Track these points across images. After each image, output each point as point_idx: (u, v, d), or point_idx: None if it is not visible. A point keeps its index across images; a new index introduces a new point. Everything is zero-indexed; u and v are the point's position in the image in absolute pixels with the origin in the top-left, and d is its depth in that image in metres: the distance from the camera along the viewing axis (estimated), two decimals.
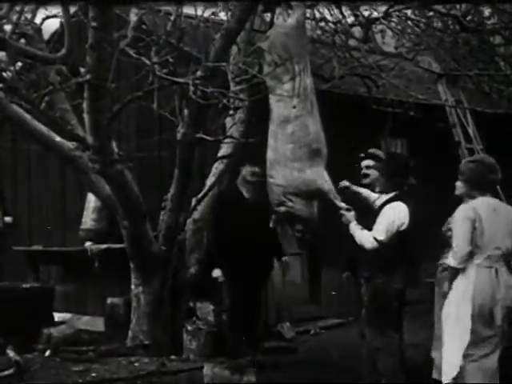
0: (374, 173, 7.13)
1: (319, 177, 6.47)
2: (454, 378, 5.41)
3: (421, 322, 6.82)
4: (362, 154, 7.30)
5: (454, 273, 5.55)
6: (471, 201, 5.59)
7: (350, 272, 7.45)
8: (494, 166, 5.74)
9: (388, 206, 6.39)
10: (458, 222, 5.55)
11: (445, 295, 5.76)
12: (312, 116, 6.56)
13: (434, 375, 6.58)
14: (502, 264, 5.47)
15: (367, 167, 7.24)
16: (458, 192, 5.91)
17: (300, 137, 6.46)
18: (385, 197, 6.54)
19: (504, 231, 5.52)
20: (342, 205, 6.47)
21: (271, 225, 6.84)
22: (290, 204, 6.44)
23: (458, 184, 5.85)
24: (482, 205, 5.53)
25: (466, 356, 5.38)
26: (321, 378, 7.43)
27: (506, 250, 5.50)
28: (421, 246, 6.83)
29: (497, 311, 5.37)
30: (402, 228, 6.30)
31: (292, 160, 6.44)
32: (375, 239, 6.24)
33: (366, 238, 6.29)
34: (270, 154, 6.57)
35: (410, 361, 6.73)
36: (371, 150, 7.42)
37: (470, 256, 5.45)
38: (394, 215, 6.31)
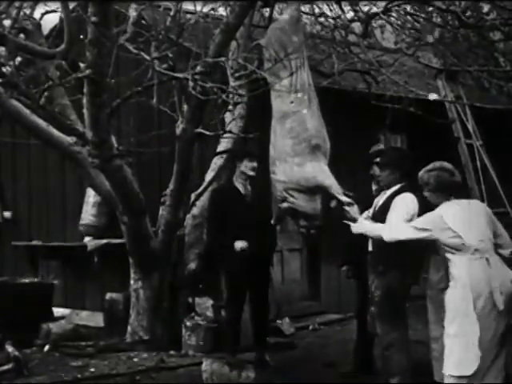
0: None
1: (320, 172, 6.45)
2: (472, 374, 5.41)
3: (422, 319, 6.79)
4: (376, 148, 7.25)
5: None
6: (438, 208, 5.75)
7: (349, 265, 7.45)
8: (453, 169, 5.92)
9: (399, 197, 6.34)
10: (420, 222, 5.82)
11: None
12: (310, 111, 6.55)
13: (436, 377, 6.50)
14: (491, 253, 5.59)
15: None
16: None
17: (299, 132, 6.46)
18: (389, 191, 6.52)
19: (479, 224, 5.65)
20: (345, 199, 6.40)
21: (273, 221, 6.83)
22: (291, 200, 6.43)
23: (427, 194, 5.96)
24: (447, 211, 5.68)
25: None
26: (320, 375, 7.44)
27: (489, 239, 5.63)
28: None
29: (497, 297, 5.43)
30: (414, 218, 6.28)
31: (292, 155, 6.44)
32: None
33: (382, 229, 6.26)
34: (271, 150, 6.57)
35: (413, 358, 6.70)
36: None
37: (456, 250, 5.57)
38: (408, 205, 6.28)
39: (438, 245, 5.71)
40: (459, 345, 5.48)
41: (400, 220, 6.14)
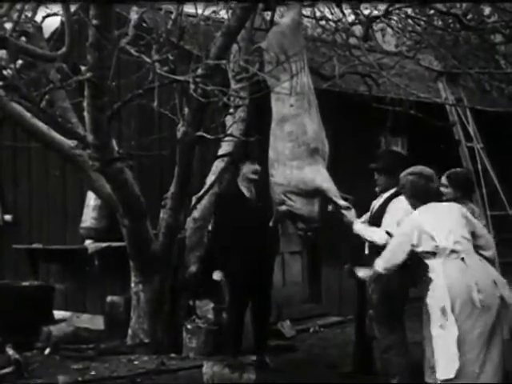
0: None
1: (318, 175, 6.45)
2: (457, 377, 5.40)
3: (420, 320, 6.78)
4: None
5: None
6: (414, 212, 5.79)
7: (352, 264, 7.43)
8: (432, 175, 5.90)
9: (394, 201, 6.34)
10: (398, 234, 5.80)
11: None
12: (310, 114, 6.55)
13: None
14: (468, 252, 5.55)
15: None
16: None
17: (298, 135, 6.47)
18: (386, 194, 6.53)
19: (454, 225, 5.63)
20: (342, 203, 6.41)
21: (271, 224, 6.83)
22: (290, 203, 6.43)
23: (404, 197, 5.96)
24: (423, 215, 5.71)
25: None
26: (320, 377, 7.43)
27: (466, 239, 5.60)
28: None
29: (474, 296, 5.39)
30: None
31: (291, 159, 6.45)
32: (388, 233, 6.14)
33: (377, 233, 6.22)
34: (270, 153, 6.58)
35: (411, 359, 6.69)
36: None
37: (432, 254, 5.58)
38: (402, 208, 6.26)
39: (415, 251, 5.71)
40: (441, 348, 5.48)
41: (394, 223, 6.16)
